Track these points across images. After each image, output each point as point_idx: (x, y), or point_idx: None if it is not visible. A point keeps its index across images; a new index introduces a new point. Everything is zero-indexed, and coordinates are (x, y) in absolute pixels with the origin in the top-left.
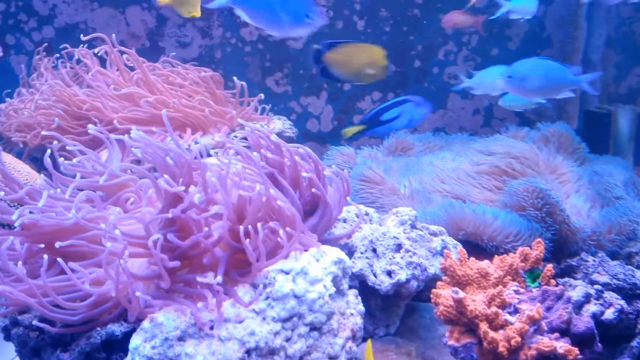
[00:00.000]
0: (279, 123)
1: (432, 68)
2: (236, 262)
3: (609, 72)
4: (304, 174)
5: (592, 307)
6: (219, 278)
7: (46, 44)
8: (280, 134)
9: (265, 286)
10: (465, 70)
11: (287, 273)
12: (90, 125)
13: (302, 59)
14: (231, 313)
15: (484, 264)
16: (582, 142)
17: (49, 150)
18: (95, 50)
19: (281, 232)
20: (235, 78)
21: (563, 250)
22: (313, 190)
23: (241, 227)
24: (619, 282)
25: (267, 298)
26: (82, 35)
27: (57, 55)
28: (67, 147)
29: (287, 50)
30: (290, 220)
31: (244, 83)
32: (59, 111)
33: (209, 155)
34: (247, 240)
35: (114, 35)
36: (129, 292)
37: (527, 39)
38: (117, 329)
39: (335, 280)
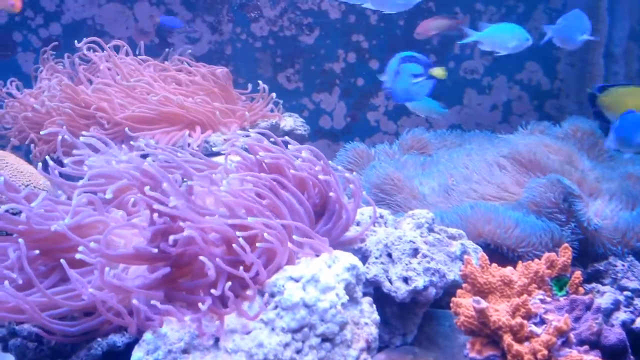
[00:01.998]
0: (290, 120)
1: (448, 62)
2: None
3: (632, 66)
4: (320, 176)
5: (621, 315)
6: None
7: (55, 43)
8: (291, 132)
9: (273, 295)
10: (482, 64)
11: (297, 281)
12: (83, 133)
13: (314, 55)
14: (238, 324)
15: (507, 270)
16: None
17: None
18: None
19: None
20: (260, 82)
21: (589, 254)
22: (331, 194)
23: (240, 238)
24: None
25: (275, 307)
26: (89, 31)
27: (66, 53)
28: (75, 151)
29: (299, 45)
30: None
31: (265, 86)
32: (66, 110)
33: (216, 154)
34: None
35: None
36: (129, 302)
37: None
38: (118, 339)
39: (348, 288)
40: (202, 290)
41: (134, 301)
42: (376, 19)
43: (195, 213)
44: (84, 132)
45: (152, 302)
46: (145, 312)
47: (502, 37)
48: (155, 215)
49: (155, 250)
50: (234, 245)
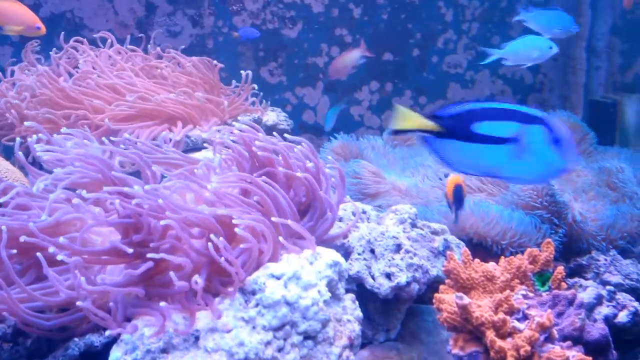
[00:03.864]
0: (273, 115)
1: (431, 57)
2: (221, 269)
3: (614, 60)
4: (298, 173)
5: (604, 310)
6: (199, 280)
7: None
8: (274, 127)
9: (254, 292)
10: (465, 58)
11: (278, 278)
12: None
13: (297, 49)
14: (218, 322)
15: (490, 266)
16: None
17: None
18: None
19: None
20: (243, 72)
21: (572, 249)
22: (320, 193)
23: (220, 239)
24: (632, 283)
25: (257, 305)
26: (68, 25)
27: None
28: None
29: (282, 39)
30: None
31: (249, 72)
32: (45, 109)
33: (198, 149)
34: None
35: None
36: (107, 301)
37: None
38: (96, 339)
39: (331, 285)
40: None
41: (111, 303)
42: (359, 12)
43: (173, 206)
44: (62, 130)
45: (131, 298)
46: (122, 311)
47: (525, 50)
48: (118, 203)
49: (131, 251)
50: (212, 239)
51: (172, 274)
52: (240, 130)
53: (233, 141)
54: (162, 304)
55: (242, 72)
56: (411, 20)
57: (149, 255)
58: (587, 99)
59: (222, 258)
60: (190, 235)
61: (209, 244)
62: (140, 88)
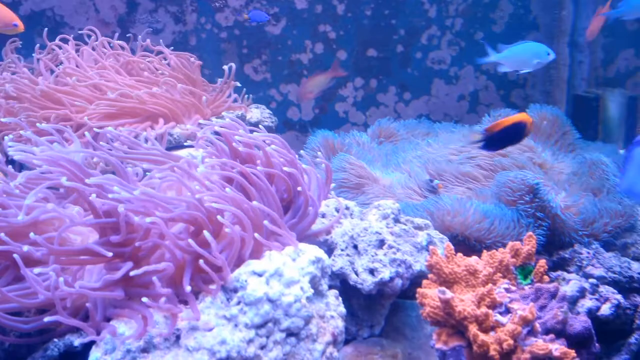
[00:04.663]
0: (257, 112)
1: (415, 53)
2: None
3: (596, 55)
4: (285, 168)
5: (587, 303)
6: (188, 288)
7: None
8: (258, 124)
9: (236, 290)
10: (449, 54)
11: (260, 275)
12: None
13: (281, 45)
14: (199, 320)
15: (473, 260)
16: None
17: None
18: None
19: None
20: (225, 67)
21: (555, 242)
22: (299, 189)
23: (208, 234)
24: (614, 276)
25: (238, 303)
26: (48, 23)
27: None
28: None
29: (265, 36)
30: (259, 221)
31: (232, 65)
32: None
33: (182, 147)
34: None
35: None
36: (86, 301)
37: (512, 22)
38: (75, 340)
39: (314, 281)
40: (165, 283)
41: (89, 304)
42: (343, 9)
43: (153, 203)
44: (38, 125)
45: (109, 300)
46: (102, 312)
47: (523, 56)
48: (95, 197)
49: (110, 254)
50: (205, 235)
51: (155, 279)
52: (222, 127)
53: (217, 137)
54: (144, 299)
55: (224, 67)
56: (395, 16)
57: (132, 273)
58: (570, 94)
59: (209, 255)
60: (175, 232)
61: (190, 240)
62: (121, 86)
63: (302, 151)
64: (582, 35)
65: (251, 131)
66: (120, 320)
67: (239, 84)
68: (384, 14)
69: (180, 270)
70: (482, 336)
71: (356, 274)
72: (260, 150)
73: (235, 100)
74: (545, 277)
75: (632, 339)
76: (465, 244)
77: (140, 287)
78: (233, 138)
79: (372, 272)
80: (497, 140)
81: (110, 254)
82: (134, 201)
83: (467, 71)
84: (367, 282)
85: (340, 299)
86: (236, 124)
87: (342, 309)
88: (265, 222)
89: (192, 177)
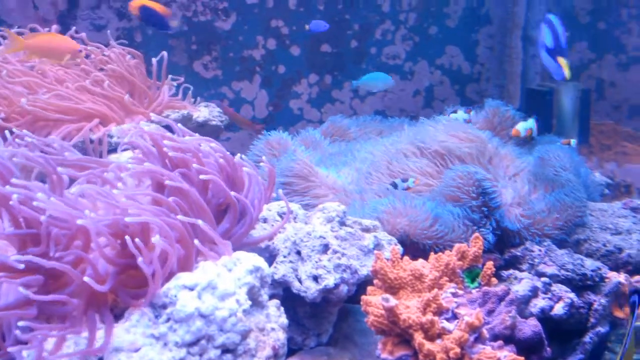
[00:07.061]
0: (205, 111)
1: (370, 48)
2: (129, 280)
3: None
4: (202, 176)
5: (540, 302)
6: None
7: None
8: (205, 123)
9: (165, 306)
10: (404, 49)
11: (191, 289)
12: None
13: (232, 41)
14: (125, 340)
15: (419, 264)
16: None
17: None
18: None
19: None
20: (157, 59)
21: (506, 240)
22: (233, 193)
23: (137, 241)
24: (567, 273)
25: (168, 320)
26: None
27: None
28: None
29: (215, 31)
30: (189, 231)
31: (164, 53)
32: None
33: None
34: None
35: None
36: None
37: (465, 17)
38: None
39: (252, 292)
40: (84, 300)
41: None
42: (295, 3)
43: (75, 213)
44: None
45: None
46: (14, 335)
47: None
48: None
49: (22, 266)
50: (137, 242)
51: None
52: (153, 129)
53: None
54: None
55: (153, 59)
56: (348, 11)
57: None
58: (524, 87)
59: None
60: (97, 244)
61: (107, 248)
62: (55, 85)
63: (239, 154)
64: (535, 29)
65: (196, 131)
66: (33, 345)
67: (174, 83)
68: (337, 8)
69: (102, 284)
70: (428, 345)
71: (299, 281)
72: (191, 154)
73: (175, 95)
74: (494, 279)
75: (586, 338)
76: (414, 243)
77: (59, 305)
78: (162, 142)
79: (316, 279)
80: None
81: (21, 266)
82: (57, 210)
83: (421, 66)
84: (310, 289)
85: (282, 309)
86: (171, 125)
87: (283, 320)
88: (204, 224)
89: (116, 186)
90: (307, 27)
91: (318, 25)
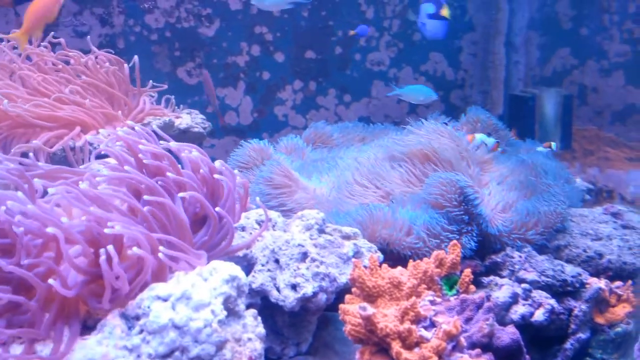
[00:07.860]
0: (188, 118)
1: (354, 54)
2: (100, 290)
3: (532, 54)
4: (181, 194)
5: (520, 309)
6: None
7: None
8: (188, 130)
9: (138, 317)
10: (388, 56)
11: (165, 300)
12: None
13: (216, 48)
14: (97, 352)
15: (397, 272)
16: (507, 127)
17: None
18: None
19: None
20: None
21: (487, 246)
22: (218, 209)
23: (110, 248)
24: (547, 279)
25: (141, 331)
26: None
27: None
28: None
29: (199, 37)
30: (161, 242)
31: (135, 57)
32: None
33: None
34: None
35: None
36: None
37: (449, 23)
38: None
39: (228, 302)
40: (53, 311)
41: None
42: (279, 10)
43: (49, 221)
44: None
45: None
46: None
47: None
48: None
49: None
50: (108, 251)
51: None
52: (130, 134)
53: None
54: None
55: (125, 65)
56: (332, 17)
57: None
58: (507, 93)
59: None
60: (66, 252)
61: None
62: (34, 95)
63: (218, 161)
64: (517, 35)
65: (180, 139)
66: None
67: (165, 87)
68: (321, 15)
69: (74, 297)
70: (405, 354)
71: (278, 290)
72: (168, 162)
73: (156, 103)
74: (472, 286)
75: (567, 344)
76: (395, 254)
77: (23, 313)
78: (138, 149)
79: (294, 287)
80: None
81: None
82: (28, 220)
83: (406, 72)
84: (289, 298)
85: (259, 319)
86: (143, 133)
87: (260, 330)
88: (176, 240)
89: (89, 196)
90: (352, 32)
91: (364, 30)
